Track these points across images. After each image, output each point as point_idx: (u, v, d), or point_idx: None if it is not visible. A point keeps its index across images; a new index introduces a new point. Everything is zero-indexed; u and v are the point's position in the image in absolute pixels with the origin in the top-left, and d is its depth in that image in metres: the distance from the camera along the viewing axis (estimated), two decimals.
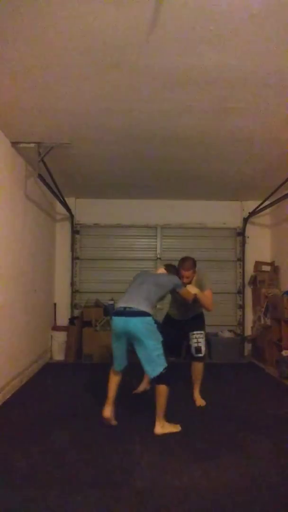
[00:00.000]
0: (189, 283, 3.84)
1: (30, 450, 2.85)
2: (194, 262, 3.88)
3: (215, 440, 3.05)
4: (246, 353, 6.52)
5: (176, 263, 3.93)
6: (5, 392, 3.97)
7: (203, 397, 3.98)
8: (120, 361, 3.39)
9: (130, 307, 3.22)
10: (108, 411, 3.33)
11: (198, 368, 3.94)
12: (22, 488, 2.34)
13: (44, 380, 4.83)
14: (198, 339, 3.92)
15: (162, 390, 3.19)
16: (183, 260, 3.88)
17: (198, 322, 4.02)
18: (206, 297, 3.80)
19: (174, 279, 3.65)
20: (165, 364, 3.18)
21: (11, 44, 2.51)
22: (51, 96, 3.17)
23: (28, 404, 3.89)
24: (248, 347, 6.56)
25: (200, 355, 3.90)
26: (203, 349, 3.90)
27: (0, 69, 2.79)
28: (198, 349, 3.90)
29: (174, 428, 3.22)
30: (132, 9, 2.18)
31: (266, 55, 2.58)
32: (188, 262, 3.83)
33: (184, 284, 3.74)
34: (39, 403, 3.91)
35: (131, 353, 3.36)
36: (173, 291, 3.69)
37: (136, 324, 3.14)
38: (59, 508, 2.15)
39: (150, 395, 3.73)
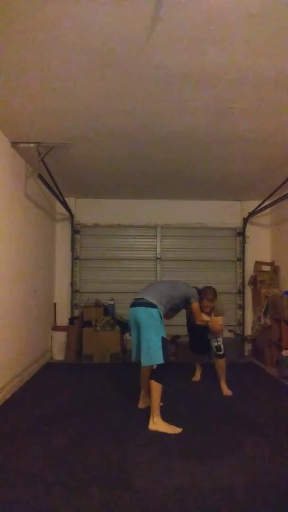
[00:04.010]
0: (208, 313, 4.11)
1: (30, 450, 2.85)
2: (216, 293, 4.10)
3: (215, 440, 3.05)
4: (246, 353, 6.52)
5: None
6: (5, 392, 3.97)
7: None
8: (135, 350, 3.55)
9: (141, 298, 3.46)
10: (141, 403, 3.70)
11: (220, 364, 4.28)
12: (22, 488, 2.34)
13: (44, 380, 4.83)
14: (217, 338, 4.24)
15: (154, 386, 3.23)
16: (208, 290, 4.06)
17: None
18: (216, 322, 4.09)
19: (193, 291, 3.86)
20: (160, 361, 3.21)
21: (11, 45, 2.51)
22: (51, 96, 3.17)
23: (28, 404, 3.89)
24: (248, 347, 6.56)
25: (220, 352, 4.24)
26: (222, 347, 4.25)
27: (1, 70, 2.79)
28: (218, 348, 4.24)
29: (170, 429, 3.17)
30: (132, 9, 2.18)
31: (266, 55, 2.58)
32: (212, 293, 4.05)
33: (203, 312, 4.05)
34: (39, 403, 3.91)
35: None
36: (186, 303, 3.84)
37: (140, 313, 3.37)
38: (59, 508, 2.15)
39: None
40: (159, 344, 3.25)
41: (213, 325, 4.09)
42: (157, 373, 3.26)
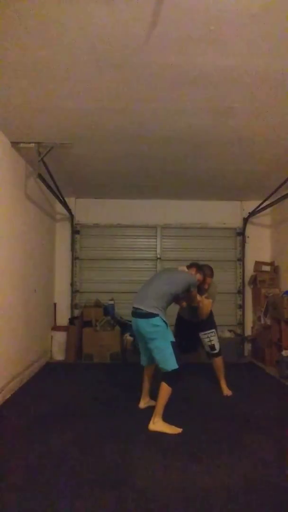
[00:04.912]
0: (206, 290, 4.09)
1: (30, 450, 2.85)
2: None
3: (215, 440, 3.05)
4: (246, 353, 6.52)
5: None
6: (5, 392, 3.97)
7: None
8: (143, 356, 3.65)
9: (139, 309, 3.36)
10: (141, 403, 3.72)
11: (217, 363, 4.24)
12: (22, 488, 2.34)
13: (44, 380, 4.83)
14: (210, 337, 4.20)
15: (164, 388, 3.23)
16: (210, 268, 4.13)
17: (207, 322, 4.19)
18: (206, 306, 4.05)
19: (191, 278, 3.67)
20: (175, 366, 3.20)
21: (12, 45, 2.51)
22: (51, 96, 3.17)
23: (28, 404, 3.88)
24: (248, 347, 6.56)
25: (215, 351, 4.20)
26: (216, 346, 4.20)
27: (1, 70, 2.79)
28: (212, 347, 4.20)
29: (169, 429, 3.17)
30: (132, 9, 2.18)
31: (266, 55, 2.58)
32: (212, 270, 4.13)
33: (202, 290, 4.01)
34: (39, 403, 3.90)
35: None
36: (186, 291, 3.66)
37: (143, 326, 3.31)
38: (59, 508, 2.15)
39: (154, 397, 3.75)
40: (170, 349, 3.23)
41: (203, 308, 3.99)
42: (169, 376, 3.23)
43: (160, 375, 3.33)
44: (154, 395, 3.49)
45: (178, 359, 3.23)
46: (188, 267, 3.94)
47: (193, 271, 3.89)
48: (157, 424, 3.20)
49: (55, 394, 4.24)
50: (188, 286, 3.59)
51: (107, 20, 2.27)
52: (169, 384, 3.22)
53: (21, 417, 3.52)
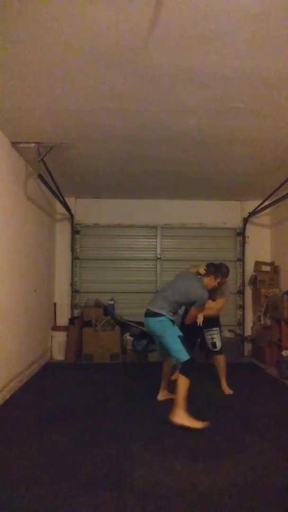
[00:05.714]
0: (216, 290, 4.06)
1: (30, 450, 2.85)
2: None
3: (215, 440, 3.05)
4: (246, 353, 6.52)
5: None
6: (5, 392, 3.97)
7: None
8: (158, 350, 3.99)
9: (149, 309, 3.67)
10: (160, 396, 3.93)
11: (219, 361, 4.29)
12: (22, 488, 2.34)
13: (44, 380, 4.83)
14: (212, 335, 4.25)
15: (180, 380, 3.34)
16: (227, 268, 4.16)
17: (211, 319, 4.17)
18: (217, 304, 4.05)
19: (204, 296, 3.68)
20: (186, 357, 3.38)
21: (12, 45, 2.51)
22: (51, 96, 3.17)
23: (28, 404, 3.88)
24: (248, 347, 6.56)
25: (216, 349, 4.25)
26: (218, 343, 4.25)
27: (1, 70, 2.79)
28: (214, 344, 4.26)
29: (191, 423, 3.19)
30: (133, 9, 2.18)
31: (266, 55, 2.58)
32: (228, 272, 4.17)
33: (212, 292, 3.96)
34: (39, 403, 3.90)
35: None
36: (192, 303, 3.75)
37: (151, 323, 3.63)
38: (59, 508, 2.15)
39: (154, 397, 3.75)
40: (179, 345, 3.43)
41: (212, 308, 3.94)
42: (183, 367, 3.40)
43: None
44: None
45: (188, 351, 3.41)
46: (207, 272, 3.83)
47: (211, 278, 3.81)
48: (181, 417, 3.22)
49: (55, 394, 4.24)
50: (195, 301, 3.69)
51: (107, 20, 2.27)
52: (185, 375, 3.33)
53: (21, 417, 3.52)
